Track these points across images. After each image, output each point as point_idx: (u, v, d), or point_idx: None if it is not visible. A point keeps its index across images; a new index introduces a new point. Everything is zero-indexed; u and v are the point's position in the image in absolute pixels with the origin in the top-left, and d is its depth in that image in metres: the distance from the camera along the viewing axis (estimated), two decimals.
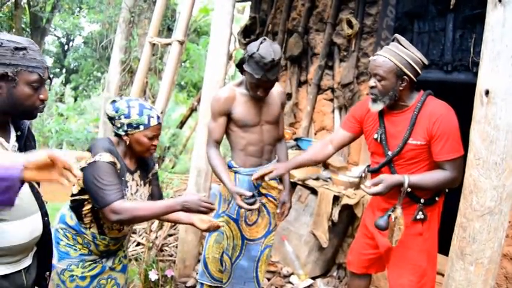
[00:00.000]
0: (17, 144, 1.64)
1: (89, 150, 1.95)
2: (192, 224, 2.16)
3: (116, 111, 1.96)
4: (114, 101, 2.01)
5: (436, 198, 2.32)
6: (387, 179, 2.18)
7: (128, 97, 2.04)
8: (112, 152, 1.95)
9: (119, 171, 1.95)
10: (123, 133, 1.98)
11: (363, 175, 2.55)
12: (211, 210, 2.00)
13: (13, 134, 1.65)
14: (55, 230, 2.06)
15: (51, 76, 1.63)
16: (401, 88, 2.23)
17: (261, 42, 2.39)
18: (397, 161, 2.32)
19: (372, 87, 2.26)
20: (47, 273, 1.81)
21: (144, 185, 2.14)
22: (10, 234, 1.54)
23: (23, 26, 13.26)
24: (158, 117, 2.01)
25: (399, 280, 2.39)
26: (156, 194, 2.24)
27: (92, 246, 2.04)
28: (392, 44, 2.28)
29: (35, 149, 1.78)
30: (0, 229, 1.51)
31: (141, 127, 1.95)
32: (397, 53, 2.21)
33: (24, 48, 1.51)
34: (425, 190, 2.26)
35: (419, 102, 2.24)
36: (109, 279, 2.15)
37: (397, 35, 2.29)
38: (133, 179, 2.07)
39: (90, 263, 2.07)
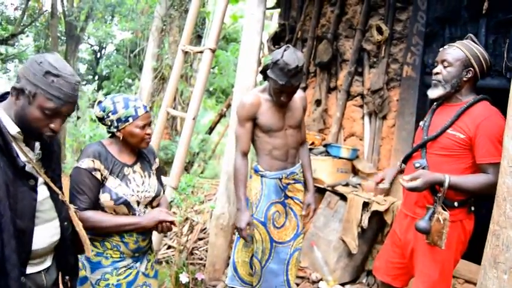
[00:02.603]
0: (41, 152, 1.69)
1: (80, 155, 2.02)
2: (140, 224, 2.05)
3: (103, 111, 2.01)
4: (100, 102, 2.05)
5: (455, 204, 2.25)
6: (426, 174, 2.16)
7: (112, 94, 2.09)
8: (100, 154, 2.00)
9: (102, 175, 1.98)
10: (115, 130, 2.03)
11: (398, 164, 2.56)
12: (172, 222, 2.07)
13: (38, 143, 1.69)
14: None
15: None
16: (465, 79, 2.25)
17: (285, 50, 2.45)
18: (431, 148, 2.31)
19: (436, 74, 2.31)
20: (67, 277, 1.85)
21: (149, 176, 2.17)
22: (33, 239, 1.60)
23: (58, 34, 13.68)
24: (145, 107, 2.06)
25: (413, 286, 2.39)
26: None
27: (122, 247, 2.06)
28: (465, 40, 2.34)
29: (58, 155, 1.83)
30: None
31: (130, 119, 2.00)
32: (468, 45, 2.27)
33: (57, 76, 1.51)
34: (464, 193, 2.22)
35: (472, 100, 2.25)
36: (144, 286, 2.17)
37: (470, 35, 2.35)
38: (134, 171, 2.10)
39: (125, 269, 2.09)
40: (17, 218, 1.50)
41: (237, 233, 2.75)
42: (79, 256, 2.04)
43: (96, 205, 2.00)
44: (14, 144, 1.53)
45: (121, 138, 2.04)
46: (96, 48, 16.80)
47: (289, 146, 2.73)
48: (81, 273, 2.05)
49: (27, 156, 1.60)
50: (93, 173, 1.96)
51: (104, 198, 1.99)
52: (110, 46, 16.37)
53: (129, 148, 2.10)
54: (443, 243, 2.17)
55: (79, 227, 1.82)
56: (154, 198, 2.16)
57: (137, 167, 2.13)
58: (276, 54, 2.47)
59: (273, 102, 2.64)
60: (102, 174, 1.99)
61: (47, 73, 1.50)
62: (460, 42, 2.31)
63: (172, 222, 2.08)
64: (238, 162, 2.67)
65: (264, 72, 2.60)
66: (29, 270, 1.65)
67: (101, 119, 2.05)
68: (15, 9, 12.94)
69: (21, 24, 12.70)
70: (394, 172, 2.58)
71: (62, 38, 14.27)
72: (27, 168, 1.56)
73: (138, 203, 2.07)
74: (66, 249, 1.81)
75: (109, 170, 2.01)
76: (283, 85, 2.45)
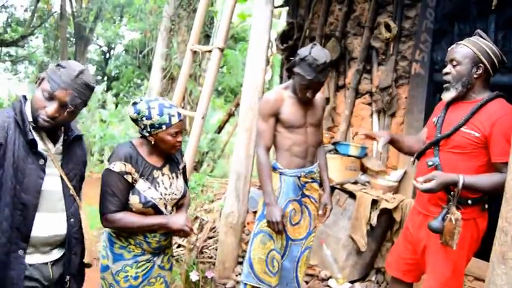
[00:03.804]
0: (61, 148, 1.82)
1: (111, 155, 2.06)
2: (166, 225, 2.11)
3: (138, 114, 2.03)
4: (135, 103, 2.07)
5: (469, 202, 2.23)
6: (440, 175, 2.14)
7: (148, 98, 2.11)
8: (131, 157, 2.03)
9: (133, 178, 2.03)
10: (147, 134, 2.05)
11: (411, 160, 2.55)
12: (189, 234, 2.17)
13: (61, 138, 1.82)
14: (108, 234, 2.16)
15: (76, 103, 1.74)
16: (475, 76, 2.23)
17: (312, 47, 2.54)
18: (444, 145, 2.29)
19: (446, 74, 2.30)
20: (67, 277, 1.87)
21: (177, 177, 2.21)
22: (36, 223, 1.70)
23: (67, 35, 13.80)
24: (179, 115, 2.07)
25: (424, 283, 2.39)
26: None
27: (145, 245, 2.11)
28: (473, 36, 2.32)
29: (80, 158, 1.93)
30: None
31: (164, 126, 2.01)
32: (475, 42, 2.24)
33: (63, 67, 1.71)
34: (479, 192, 2.21)
35: (487, 97, 2.23)
36: (158, 278, 2.22)
37: (478, 30, 2.33)
38: (163, 174, 2.13)
39: (144, 262, 2.14)
40: (22, 191, 1.65)
41: (256, 229, 2.78)
42: (104, 245, 2.16)
43: (126, 206, 2.05)
44: (34, 132, 1.71)
45: (152, 142, 2.07)
46: (105, 49, 16.93)
47: (308, 143, 2.77)
48: (104, 261, 2.15)
49: (45, 145, 1.75)
50: (125, 176, 2.00)
51: (133, 200, 2.03)
52: (119, 47, 16.49)
53: (159, 150, 2.13)
54: (454, 244, 2.15)
55: (85, 227, 1.90)
56: (180, 199, 2.22)
57: (166, 169, 2.16)
58: (304, 50, 2.55)
59: (295, 99, 2.70)
60: (133, 177, 2.03)
61: (58, 65, 1.73)
62: (468, 39, 2.29)
63: (188, 234, 2.18)
64: (262, 158, 2.69)
65: (290, 69, 2.67)
66: (34, 259, 1.74)
67: (135, 121, 2.07)
68: (25, 10, 13.08)
69: (31, 25, 12.83)
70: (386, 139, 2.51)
71: (71, 39, 14.42)
72: (39, 149, 1.72)
73: (165, 205, 2.12)
74: (71, 247, 1.86)
75: (139, 173, 2.05)
76: (310, 80, 2.53)
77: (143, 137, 2.12)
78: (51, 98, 1.69)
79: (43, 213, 1.73)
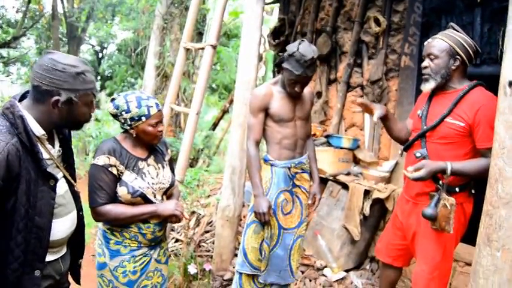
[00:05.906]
0: (61, 149, 1.81)
1: (96, 151, 2.12)
2: (156, 212, 2.16)
3: (117, 109, 2.09)
4: (113, 99, 2.13)
5: (457, 189, 2.32)
6: (429, 164, 2.22)
7: (125, 92, 2.16)
8: (114, 150, 2.09)
9: (118, 170, 2.09)
10: (128, 127, 2.12)
11: (400, 152, 2.63)
12: (181, 218, 2.21)
13: (57, 139, 1.81)
14: (103, 231, 2.21)
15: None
16: (453, 67, 2.32)
17: (300, 43, 2.61)
18: (430, 137, 2.37)
19: (424, 68, 2.38)
20: (80, 260, 2.01)
21: (163, 167, 2.27)
22: (54, 230, 1.72)
23: (60, 36, 13.77)
24: (157, 105, 2.13)
25: (415, 268, 2.48)
26: None
27: (140, 238, 2.17)
28: (447, 29, 2.40)
29: (72, 150, 1.95)
30: None
31: (143, 118, 2.08)
32: (450, 35, 2.33)
33: (83, 73, 1.64)
34: (466, 177, 2.29)
35: (467, 87, 2.31)
36: (155, 271, 2.29)
37: (451, 23, 2.41)
38: (148, 164, 2.19)
39: (141, 256, 2.20)
40: (36, 215, 1.62)
41: (248, 219, 2.85)
42: (99, 243, 2.21)
43: (115, 198, 2.10)
44: (39, 145, 1.63)
45: (134, 135, 2.14)
46: (98, 48, 16.88)
47: (298, 136, 2.85)
48: (101, 259, 2.19)
49: (50, 154, 1.71)
50: (110, 169, 2.06)
51: (122, 191, 2.09)
52: (112, 46, 16.45)
53: (142, 142, 2.19)
54: (451, 228, 2.25)
55: None
56: (168, 189, 2.28)
57: (151, 160, 2.22)
58: (292, 47, 2.62)
59: (284, 93, 2.78)
60: (118, 170, 2.09)
61: (77, 74, 1.63)
62: (442, 32, 2.38)
63: (181, 219, 2.22)
64: (252, 151, 2.77)
65: (278, 65, 2.74)
66: (49, 258, 1.77)
67: (115, 116, 2.13)
68: (16, 11, 13.01)
69: (23, 26, 12.77)
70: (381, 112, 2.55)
71: (64, 39, 14.36)
72: (48, 169, 1.67)
73: (154, 194, 2.18)
74: (82, 236, 1.95)
75: (124, 165, 2.11)
76: (298, 75, 2.60)
77: (126, 131, 2.18)
78: (92, 101, 1.76)
79: (59, 219, 1.75)
